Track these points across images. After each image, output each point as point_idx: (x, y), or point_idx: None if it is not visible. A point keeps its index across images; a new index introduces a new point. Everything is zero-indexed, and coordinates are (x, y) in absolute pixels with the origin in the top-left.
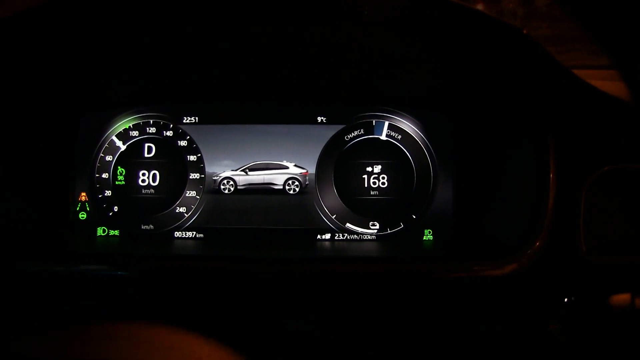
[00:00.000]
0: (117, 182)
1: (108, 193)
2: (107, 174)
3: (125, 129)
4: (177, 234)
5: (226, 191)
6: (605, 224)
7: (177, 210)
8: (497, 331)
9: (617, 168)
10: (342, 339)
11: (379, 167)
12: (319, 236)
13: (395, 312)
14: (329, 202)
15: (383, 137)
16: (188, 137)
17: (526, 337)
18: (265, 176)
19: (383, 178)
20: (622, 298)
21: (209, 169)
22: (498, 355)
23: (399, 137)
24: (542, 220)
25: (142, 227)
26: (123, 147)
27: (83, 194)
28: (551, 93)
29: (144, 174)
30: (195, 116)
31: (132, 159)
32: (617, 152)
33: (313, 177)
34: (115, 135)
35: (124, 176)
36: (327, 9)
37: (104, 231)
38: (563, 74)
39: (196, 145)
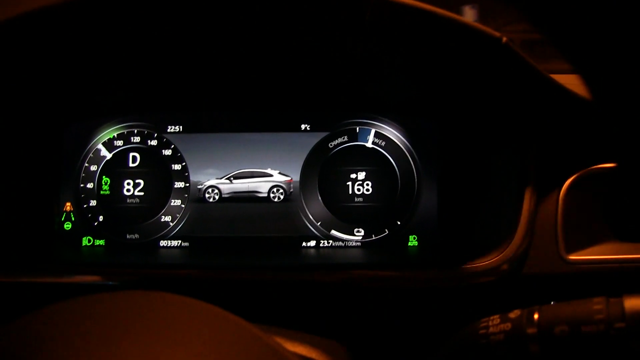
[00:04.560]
0: (102, 192)
1: (93, 203)
2: (92, 183)
3: (110, 138)
4: (163, 243)
5: (211, 200)
6: (586, 225)
7: (162, 219)
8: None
9: (596, 169)
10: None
11: (363, 173)
12: (304, 243)
13: (380, 318)
14: (313, 210)
15: (369, 144)
16: (172, 146)
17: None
18: (249, 184)
19: (367, 185)
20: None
21: (193, 177)
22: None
23: (383, 143)
24: (523, 226)
25: (128, 236)
26: (109, 156)
27: (68, 204)
28: (530, 98)
29: (128, 184)
30: (179, 125)
31: (116, 169)
32: (595, 154)
33: (297, 184)
34: (102, 144)
35: (109, 186)
36: (312, 17)
37: (89, 241)
38: (541, 79)
39: (180, 154)
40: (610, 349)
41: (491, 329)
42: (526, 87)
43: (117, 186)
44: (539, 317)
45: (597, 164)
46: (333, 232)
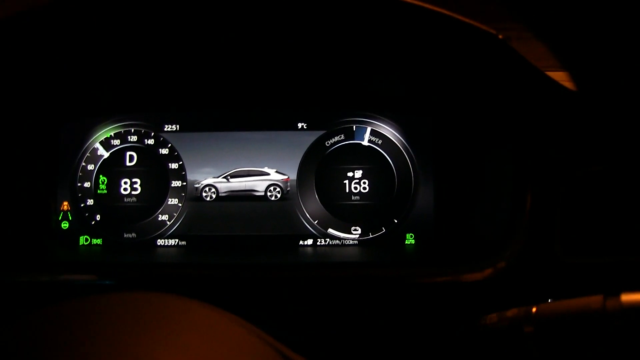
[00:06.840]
0: (99, 191)
1: (90, 202)
2: (89, 182)
3: (107, 137)
4: (160, 242)
5: (208, 198)
6: (582, 225)
7: (159, 218)
8: (475, 333)
9: (593, 170)
10: (324, 344)
11: (360, 172)
12: (301, 242)
13: (377, 316)
14: (310, 208)
15: (365, 142)
16: (169, 145)
17: (503, 339)
18: (246, 183)
19: (364, 183)
20: (595, 300)
21: (190, 176)
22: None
23: (380, 141)
24: (519, 222)
25: (125, 235)
26: (106, 155)
27: (65, 203)
28: (527, 96)
29: (125, 183)
30: (176, 124)
31: (113, 168)
32: (593, 154)
33: (294, 183)
34: (99, 143)
35: (106, 185)
36: (307, 14)
37: (86, 240)
38: (538, 77)
39: (177, 153)
40: (604, 343)
41: (489, 326)
42: (522, 83)
43: (114, 185)
44: (535, 313)
45: (596, 165)
46: (330, 230)
